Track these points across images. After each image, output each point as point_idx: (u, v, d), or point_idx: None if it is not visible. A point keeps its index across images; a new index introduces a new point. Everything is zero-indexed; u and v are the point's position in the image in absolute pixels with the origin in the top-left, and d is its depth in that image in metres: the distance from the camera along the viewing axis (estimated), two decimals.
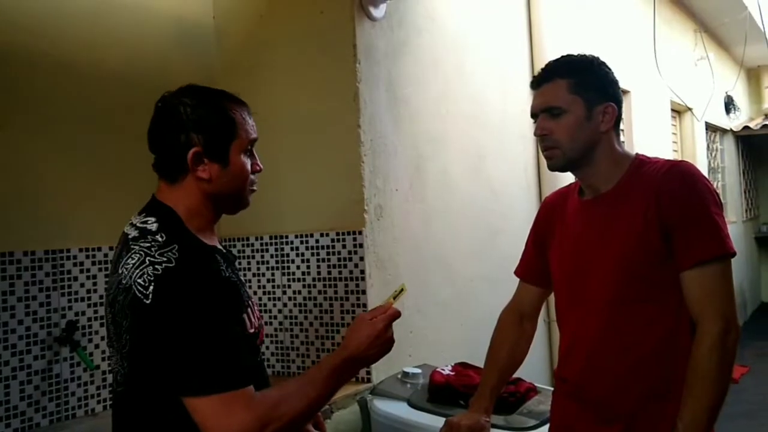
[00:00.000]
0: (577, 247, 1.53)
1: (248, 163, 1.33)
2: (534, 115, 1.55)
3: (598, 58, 1.56)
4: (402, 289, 1.39)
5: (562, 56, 1.58)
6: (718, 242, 1.38)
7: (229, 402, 1.14)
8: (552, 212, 1.67)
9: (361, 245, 2.42)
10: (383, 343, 1.31)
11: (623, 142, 4.77)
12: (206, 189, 1.30)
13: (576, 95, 1.47)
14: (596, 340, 1.48)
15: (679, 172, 1.43)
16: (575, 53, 1.58)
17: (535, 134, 1.54)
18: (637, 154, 1.56)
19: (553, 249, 1.62)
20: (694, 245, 1.38)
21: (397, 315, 1.34)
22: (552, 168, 1.56)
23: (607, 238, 1.47)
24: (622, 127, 5.16)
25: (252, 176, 1.36)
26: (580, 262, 1.51)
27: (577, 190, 1.61)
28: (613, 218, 1.47)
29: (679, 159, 1.56)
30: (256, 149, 1.38)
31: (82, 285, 2.20)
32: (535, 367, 3.34)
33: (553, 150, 1.51)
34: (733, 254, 1.40)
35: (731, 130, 8.30)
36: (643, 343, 1.43)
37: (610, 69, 1.56)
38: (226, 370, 1.15)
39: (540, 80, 1.53)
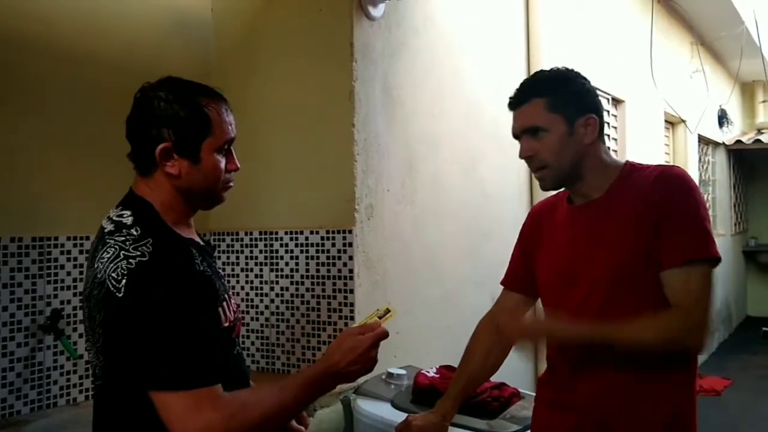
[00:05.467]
0: (567, 252, 1.53)
1: (222, 161, 1.32)
2: (516, 136, 1.55)
3: (572, 70, 1.55)
4: (388, 310, 1.38)
5: (536, 73, 1.58)
6: (707, 244, 1.40)
7: (196, 399, 1.13)
8: (539, 221, 1.68)
9: (350, 244, 2.42)
10: (366, 361, 1.29)
11: (615, 150, 4.82)
12: (176, 184, 1.29)
13: (555, 113, 1.47)
14: (578, 350, 1.48)
15: (672, 176, 1.44)
16: (549, 68, 1.58)
17: (520, 156, 1.54)
18: (627, 161, 1.56)
19: (540, 257, 1.62)
20: (683, 244, 1.39)
21: (385, 335, 1.31)
22: (545, 188, 1.56)
23: (597, 243, 1.47)
24: (614, 135, 5.16)
25: (227, 174, 1.34)
26: (570, 267, 1.52)
27: (566, 197, 1.61)
28: (604, 223, 1.47)
29: (672, 165, 1.55)
30: (234, 147, 1.36)
31: (69, 273, 2.19)
32: (519, 372, 3.34)
33: (542, 170, 1.51)
34: (719, 260, 1.41)
35: (724, 143, 8.34)
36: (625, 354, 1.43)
37: (586, 79, 1.55)
38: (195, 367, 1.14)
39: (517, 101, 1.53)
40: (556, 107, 1.47)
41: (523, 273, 1.69)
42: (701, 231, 1.40)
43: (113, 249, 1.20)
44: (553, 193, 1.68)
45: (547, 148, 1.48)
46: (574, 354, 1.50)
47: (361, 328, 1.32)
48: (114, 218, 1.27)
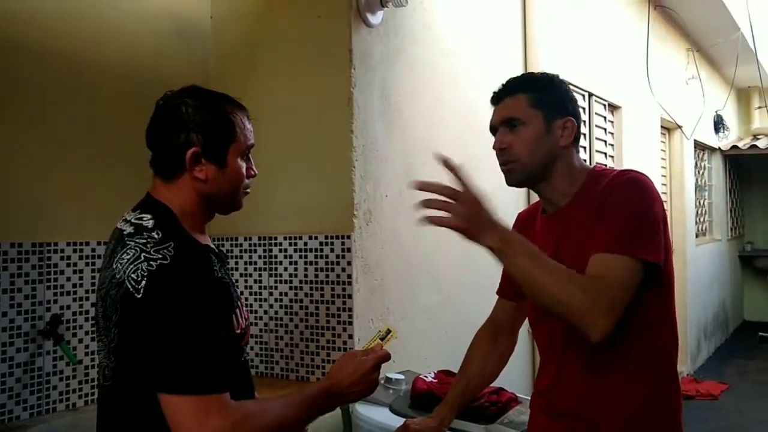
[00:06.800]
0: None
1: (244, 166, 1.35)
2: (493, 129, 1.55)
3: (557, 76, 1.57)
4: (389, 330, 1.40)
5: (524, 74, 1.61)
6: (633, 243, 1.34)
7: (204, 405, 1.14)
8: (523, 229, 1.69)
9: (349, 249, 2.43)
10: (367, 382, 1.33)
11: (612, 156, 4.84)
12: (201, 189, 1.31)
13: (535, 109, 1.48)
14: (560, 356, 1.49)
15: (622, 179, 1.43)
16: (537, 72, 1.61)
17: (493, 148, 1.54)
18: (595, 166, 1.57)
19: None
20: (607, 238, 1.35)
21: (387, 357, 1.35)
22: (510, 183, 1.56)
23: (561, 254, 1.46)
24: (611, 141, 5.17)
25: (246, 180, 1.37)
26: None
27: (542, 206, 1.62)
28: (566, 233, 1.48)
29: (632, 169, 1.53)
30: (252, 154, 1.39)
31: (69, 279, 2.20)
32: (517, 378, 3.35)
33: (512, 164, 1.51)
34: (647, 261, 1.35)
35: (720, 149, 8.38)
36: (603, 359, 1.43)
37: (569, 87, 1.58)
38: (207, 373, 1.16)
39: (501, 95, 1.54)
40: (538, 104, 1.49)
41: (511, 279, 1.70)
42: (631, 230, 1.35)
43: (134, 251, 1.21)
44: (535, 200, 1.68)
45: (522, 142, 1.48)
46: (556, 359, 1.51)
47: (364, 351, 1.36)
48: (133, 221, 1.27)
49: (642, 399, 1.43)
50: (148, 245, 1.21)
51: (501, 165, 1.54)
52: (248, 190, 1.40)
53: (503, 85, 1.56)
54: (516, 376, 3.30)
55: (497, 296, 1.81)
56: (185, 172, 1.30)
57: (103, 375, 1.28)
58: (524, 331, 1.87)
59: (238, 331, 1.32)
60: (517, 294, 1.71)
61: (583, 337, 1.30)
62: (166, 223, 1.26)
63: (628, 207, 1.38)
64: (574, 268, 1.40)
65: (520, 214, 1.78)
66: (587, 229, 1.41)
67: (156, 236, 1.23)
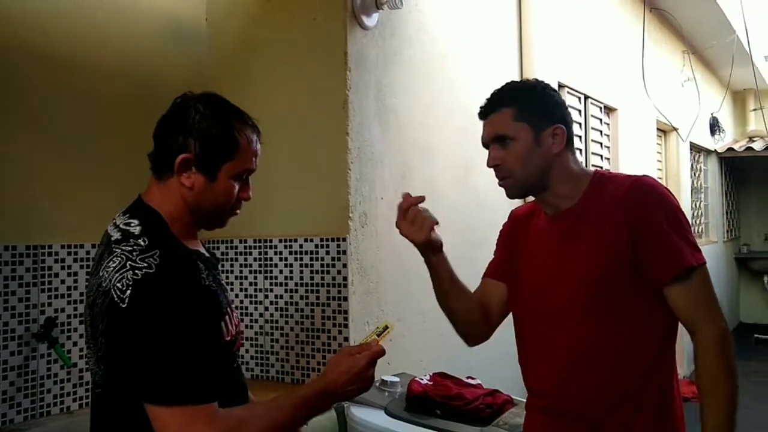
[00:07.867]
0: (542, 262, 1.54)
1: (236, 187, 1.33)
2: (485, 145, 1.57)
3: (542, 82, 1.57)
4: (386, 326, 1.39)
5: (506, 84, 1.59)
6: (690, 254, 1.41)
7: (191, 416, 1.13)
8: (517, 226, 1.69)
9: (344, 252, 2.43)
10: (363, 380, 1.31)
11: (608, 158, 4.84)
12: (186, 196, 1.30)
13: (522, 122, 1.48)
14: (564, 354, 1.49)
15: (644, 186, 1.45)
16: (519, 80, 1.61)
17: (488, 165, 1.55)
18: (596, 170, 1.58)
19: (519, 263, 1.63)
20: (668, 259, 1.40)
21: (381, 353, 1.33)
22: (510, 196, 1.57)
23: (571, 254, 1.48)
24: (607, 143, 5.17)
25: (237, 202, 1.35)
26: (545, 278, 1.52)
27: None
28: (577, 234, 1.48)
29: (641, 174, 1.55)
30: (252, 178, 1.37)
31: (63, 282, 2.19)
32: (511, 380, 3.34)
33: (507, 179, 1.53)
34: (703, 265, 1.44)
35: (715, 151, 8.39)
36: (612, 354, 1.44)
37: (555, 92, 1.58)
38: (193, 383, 1.15)
39: (487, 111, 1.55)
40: (523, 116, 1.49)
41: (506, 264, 1.69)
42: (681, 241, 1.41)
43: (119, 258, 1.19)
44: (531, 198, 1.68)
45: (513, 157, 1.49)
46: (564, 359, 1.50)
47: (357, 347, 1.34)
48: (121, 226, 1.26)
49: (640, 396, 1.44)
50: (134, 253, 1.19)
51: (498, 180, 1.56)
52: (237, 212, 1.38)
53: (488, 100, 1.56)
54: (510, 377, 3.30)
55: (486, 278, 1.79)
56: (173, 174, 1.29)
57: (94, 381, 1.27)
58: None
59: (228, 339, 1.30)
60: (506, 276, 1.68)
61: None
62: (154, 230, 1.25)
63: (668, 222, 1.42)
64: (586, 266, 1.44)
65: (513, 211, 1.78)
66: (604, 236, 1.43)
67: (142, 243, 1.21)
